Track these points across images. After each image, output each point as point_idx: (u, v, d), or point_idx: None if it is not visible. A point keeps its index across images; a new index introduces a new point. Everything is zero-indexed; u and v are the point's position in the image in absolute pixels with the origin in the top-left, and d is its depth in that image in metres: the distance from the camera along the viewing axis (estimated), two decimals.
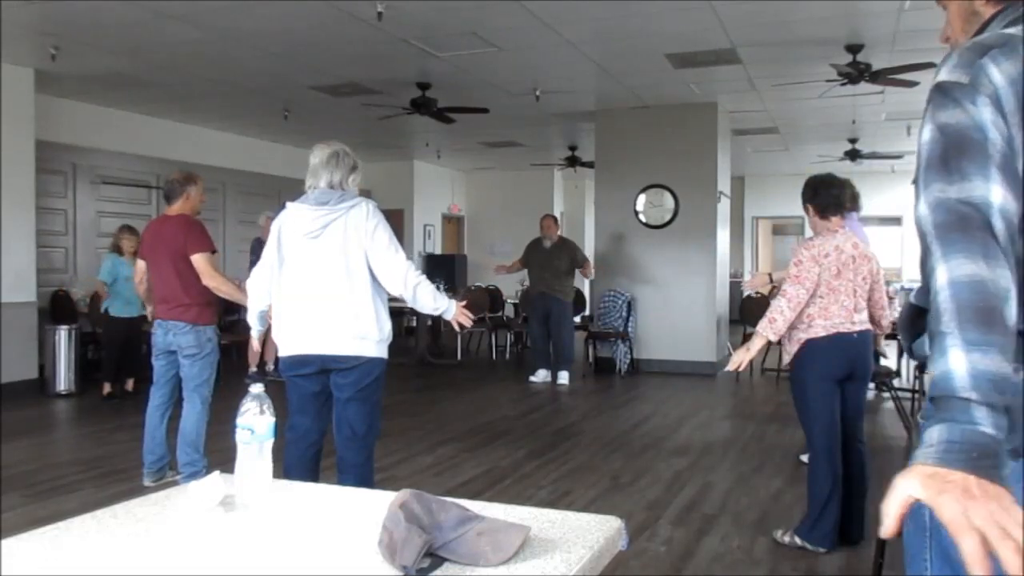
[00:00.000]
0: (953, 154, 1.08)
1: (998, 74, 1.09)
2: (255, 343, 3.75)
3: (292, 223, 3.36)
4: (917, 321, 1.24)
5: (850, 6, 6.08)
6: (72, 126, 9.13)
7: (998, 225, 1.04)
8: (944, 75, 1.14)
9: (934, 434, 0.94)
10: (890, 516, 0.93)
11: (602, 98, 9.42)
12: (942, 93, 1.13)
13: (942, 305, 1.01)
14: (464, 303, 3.56)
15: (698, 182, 9.58)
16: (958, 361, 0.96)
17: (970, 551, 0.87)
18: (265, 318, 3.60)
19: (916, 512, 1.23)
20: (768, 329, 3.57)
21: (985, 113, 1.08)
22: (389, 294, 3.42)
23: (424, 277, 3.38)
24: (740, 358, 3.51)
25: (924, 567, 1.23)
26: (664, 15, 6.24)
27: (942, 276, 1.02)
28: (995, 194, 1.05)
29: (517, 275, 9.32)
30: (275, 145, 12.18)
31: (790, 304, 3.56)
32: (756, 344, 3.57)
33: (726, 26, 6.50)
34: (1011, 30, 1.15)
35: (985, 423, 0.93)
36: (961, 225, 1.04)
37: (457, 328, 3.59)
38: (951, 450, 0.92)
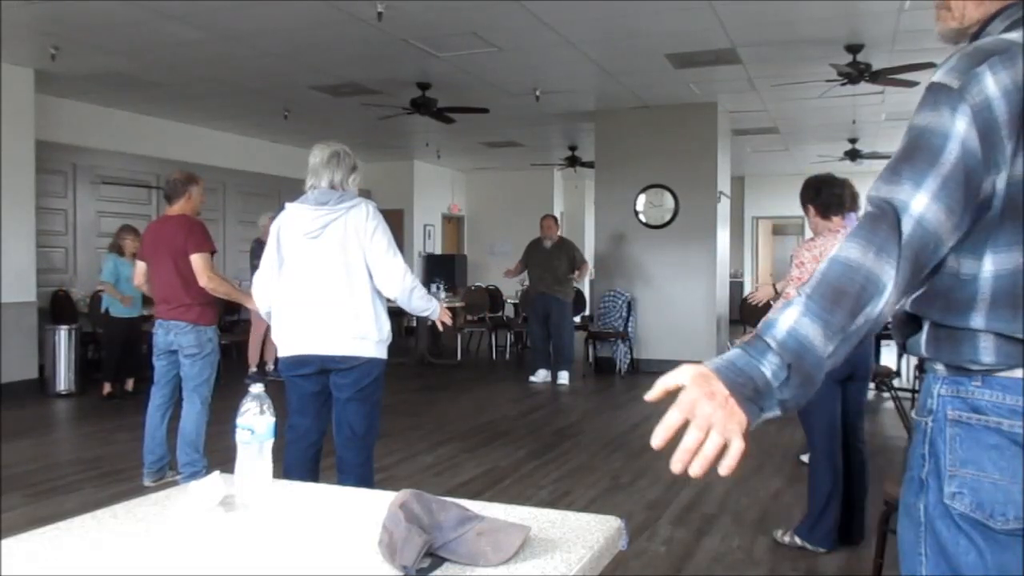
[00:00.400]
0: (902, 157, 1.14)
1: (993, 84, 1.10)
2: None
3: (291, 223, 3.36)
4: (910, 323, 1.26)
5: (850, 6, 6.08)
6: (72, 126, 9.13)
7: (907, 229, 1.10)
8: (939, 76, 1.15)
9: (730, 354, 1.10)
10: (657, 388, 1.10)
11: (602, 98, 9.42)
12: (929, 93, 1.16)
13: (815, 274, 1.12)
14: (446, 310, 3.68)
15: (698, 182, 9.58)
16: (788, 317, 1.09)
17: (669, 421, 1.05)
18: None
19: (911, 508, 1.25)
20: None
21: (959, 124, 1.10)
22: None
23: (419, 282, 3.44)
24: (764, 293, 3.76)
25: (919, 562, 1.23)
26: (664, 15, 6.24)
27: (834, 251, 1.14)
28: (917, 201, 1.11)
29: (518, 273, 9.32)
30: (275, 145, 12.18)
31: None
32: (766, 292, 3.75)
33: (726, 26, 6.50)
34: (1012, 35, 1.14)
35: (767, 366, 1.07)
36: (873, 218, 1.13)
37: (440, 327, 3.70)
38: (730, 368, 1.07)
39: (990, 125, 1.10)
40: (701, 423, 1.05)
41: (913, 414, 1.28)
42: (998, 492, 1.15)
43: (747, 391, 1.06)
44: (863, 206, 1.17)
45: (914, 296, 1.22)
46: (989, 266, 1.15)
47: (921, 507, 1.23)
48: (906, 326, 1.27)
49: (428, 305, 3.50)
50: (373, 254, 3.30)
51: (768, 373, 1.06)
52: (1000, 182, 1.12)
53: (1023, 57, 1.11)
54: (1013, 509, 1.13)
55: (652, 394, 1.10)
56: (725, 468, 1.07)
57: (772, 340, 1.07)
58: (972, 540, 1.17)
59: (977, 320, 1.16)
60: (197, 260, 4.50)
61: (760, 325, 1.12)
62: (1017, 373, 1.15)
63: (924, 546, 1.22)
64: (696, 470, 1.06)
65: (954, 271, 1.17)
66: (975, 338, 1.16)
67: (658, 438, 1.06)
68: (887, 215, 1.11)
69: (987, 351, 1.16)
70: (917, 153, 1.12)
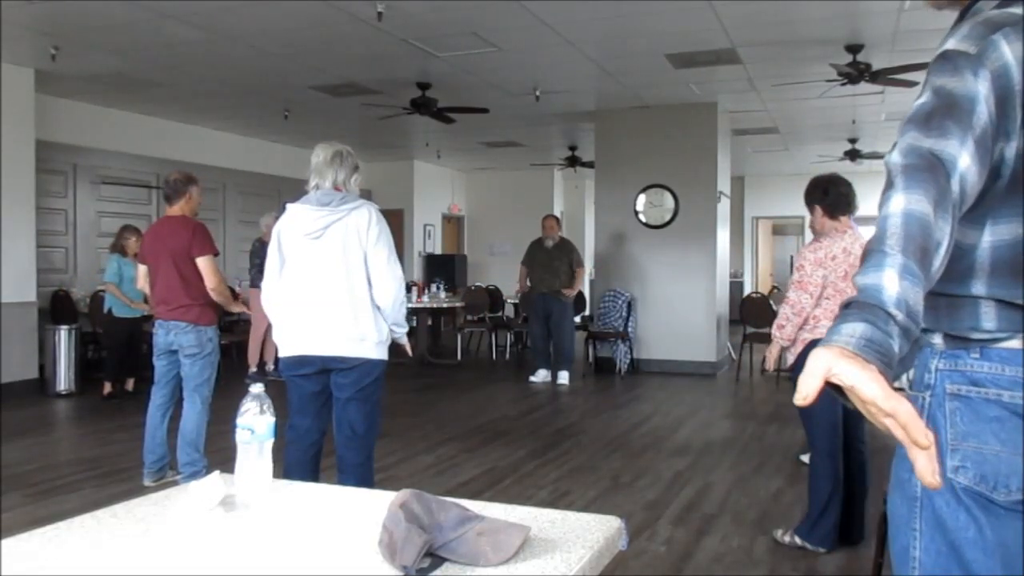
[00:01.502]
0: (938, 113, 1.09)
1: (1009, 52, 1.09)
2: None
3: (293, 224, 3.36)
4: None
5: (850, 6, 6.08)
6: (72, 126, 9.14)
7: (955, 187, 1.05)
8: (952, 44, 1.13)
9: (857, 328, 0.96)
10: (812, 386, 0.92)
11: (602, 98, 9.42)
12: (945, 59, 1.13)
13: (891, 229, 1.02)
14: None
15: (698, 182, 9.58)
16: (892, 281, 0.98)
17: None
18: None
19: (905, 482, 1.24)
20: (778, 335, 3.73)
21: (981, 87, 1.08)
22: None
23: (405, 299, 3.49)
24: (769, 364, 3.83)
25: (913, 536, 1.23)
26: (664, 15, 6.24)
27: (898, 204, 1.04)
28: (963, 159, 1.06)
29: (525, 278, 9.27)
30: (275, 145, 12.18)
31: (794, 310, 3.67)
32: (774, 352, 3.79)
33: (726, 26, 6.50)
34: (1017, 9, 1.14)
35: (896, 339, 0.97)
36: (930, 169, 1.05)
37: (408, 351, 3.75)
38: (870, 347, 0.94)
39: (1008, 91, 1.09)
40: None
41: (907, 389, 1.26)
42: (1001, 464, 1.15)
43: (889, 370, 0.96)
44: (893, 159, 1.10)
45: None
46: (988, 237, 1.15)
47: (916, 481, 1.21)
48: None
49: (404, 324, 3.50)
50: (374, 262, 3.31)
51: (895, 348, 0.97)
52: (1009, 151, 1.12)
53: None
54: (1016, 480, 1.14)
55: (807, 396, 0.95)
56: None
57: (893, 309, 0.97)
58: (972, 515, 1.17)
59: (978, 287, 1.16)
60: (205, 264, 4.52)
61: (861, 286, 1.00)
62: (1016, 343, 1.15)
63: (919, 521, 1.22)
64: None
65: (954, 242, 1.15)
66: (976, 305, 1.16)
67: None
68: (939, 168, 1.05)
69: (988, 317, 1.16)
70: (955, 111, 1.08)
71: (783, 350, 3.77)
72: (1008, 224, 1.14)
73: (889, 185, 1.08)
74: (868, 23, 6.49)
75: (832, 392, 0.94)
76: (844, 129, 11.32)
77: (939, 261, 1.03)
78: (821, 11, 6.16)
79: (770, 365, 3.82)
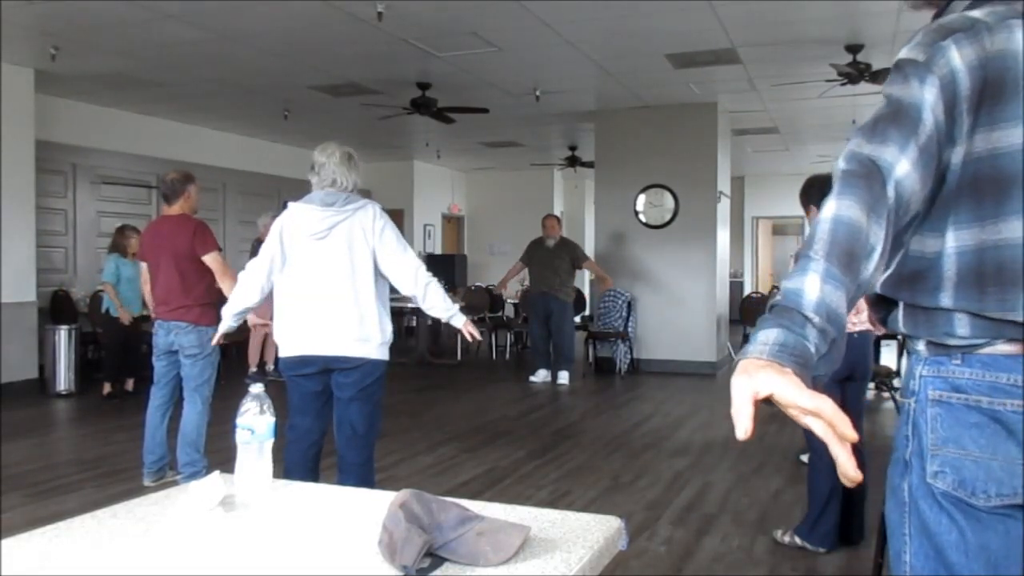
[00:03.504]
0: (883, 121, 1.12)
1: (958, 58, 1.11)
2: (218, 338, 3.73)
3: (296, 223, 3.35)
4: (885, 302, 1.27)
5: (850, 6, 6.08)
6: (72, 126, 9.13)
7: (891, 192, 1.08)
8: (905, 52, 1.16)
9: (771, 335, 0.99)
10: (746, 415, 0.93)
11: (602, 98, 9.42)
12: (897, 68, 1.16)
13: (819, 234, 1.05)
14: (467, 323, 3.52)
15: (698, 182, 9.58)
16: (812, 285, 1.01)
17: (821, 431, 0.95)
18: (242, 318, 3.58)
19: (896, 488, 1.25)
20: None
21: (928, 94, 1.10)
22: (395, 293, 3.45)
23: (434, 278, 3.42)
24: None
25: (904, 541, 1.24)
26: (664, 15, 6.24)
27: (829, 210, 1.07)
28: (901, 166, 1.09)
29: (517, 275, 9.32)
30: (275, 145, 12.18)
31: None
32: None
33: (726, 26, 6.50)
34: (975, 13, 1.15)
35: (811, 341, 0.99)
36: (865, 175, 1.08)
37: (469, 338, 3.56)
38: (784, 351, 0.97)
39: (955, 98, 1.11)
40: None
41: (898, 396, 1.28)
42: (979, 470, 1.15)
43: (806, 371, 0.98)
44: (837, 164, 1.13)
45: (883, 279, 1.22)
46: (952, 243, 1.16)
47: (905, 487, 1.23)
48: (881, 304, 1.28)
49: (448, 306, 3.44)
50: (384, 252, 3.31)
51: (812, 349, 0.99)
52: (955, 157, 1.13)
53: (985, 34, 1.12)
54: (995, 486, 1.14)
55: (746, 429, 0.94)
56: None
57: (810, 313, 1.00)
58: (954, 519, 1.17)
59: (946, 300, 1.17)
60: (213, 260, 4.53)
61: (784, 290, 1.04)
62: (996, 349, 1.16)
63: (908, 526, 1.23)
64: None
65: (919, 253, 1.18)
66: (949, 316, 1.17)
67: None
68: (875, 175, 1.08)
69: (962, 325, 1.16)
70: (900, 118, 1.11)
71: None
72: (969, 229, 1.15)
73: (829, 191, 1.11)
74: (868, 23, 6.49)
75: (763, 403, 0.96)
76: (844, 129, 11.31)
77: (873, 264, 1.06)
78: (821, 11, 6.16)
79: None
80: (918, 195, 1.11)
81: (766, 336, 0.99)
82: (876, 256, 1.06)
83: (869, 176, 1.08)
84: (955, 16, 1.17)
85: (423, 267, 3.38)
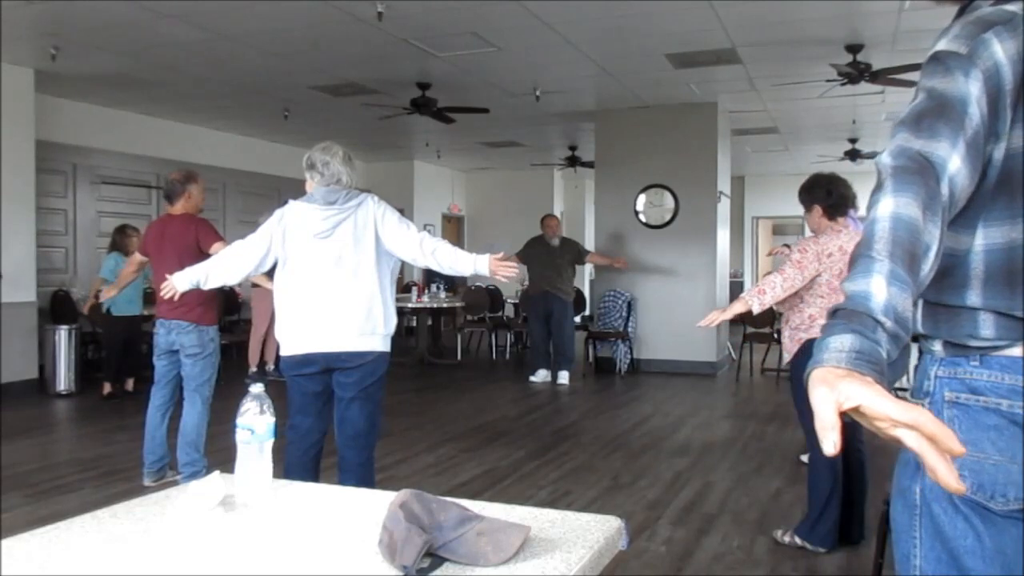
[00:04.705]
0: (929, 114, 1.08)
1: (1001, 51, 1.08)
2: (169, 288, 3.65)
3: (299, 222, 3.35)
4: None
5: (850, 6, 6.08)
6: (72, 126, 9.13)
7: (945, 190, 1.04)
8: (943, 45, 1.13)
9: (845, 341, 0.93)
10: (833, 428, 0.88)
11: (602, 98, 9.42)
12: (937, 60, 1.12)
13: (879, 233, 1.01)
14: (500, 256, 3.41)
15: (698, 182, 9.58)
16: (879, 287, 0.97)
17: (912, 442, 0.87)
18: (200, 285, 3.56)
19: (906, 490, 1.24)
20: (755, 299, 3.51)
21: (973, 88, 1.07)
22: (396, 293, 3.46)
23: (442, 241, 3.41)
24: (713, 316, 3.47)
25: (913, 544, 1.23)
26: (664, 15, 6.24)
27: (887, 207, 1.02)
28: (953, 162, 1.05)
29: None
30: (275, 145, 12.17)
31: (783, 283, 3.54)
32: (735, 308, 3.51)
33: (726, 26, 6.50)
34: (1012, 7, 1.13)
35: (884, 346, 0.94)
36: (919, 171, 1.04)
37: (504, 279, 3.45)
38: (861, 358, 0.91)
39: (999, 92, 1.08)
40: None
41: (908, 396, 1.25)
42: (999, 473, 1.14)
43: (883, 378, 0.92)
44: (883, 160, 1.08)
45: None
46: (980, 240, 1.14)
47: (917, 490, 1.22)
48: None
49: (466, 261, 3.36)
50: (386, 230, 3.34)
51: (884, 355, 0.94)
52: (997, 152, 1.11)
53: None
54: (1014, 490, 1.13)
55: (835, 444, 0.89)
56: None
57: (881, 316, 0.95)
58: (971, 523, 1.16)
59: (973, 298, 1.15)
60: (219, 249, 4.51)
61: (849, 293, 0.99)
62: (1016, 351, 1.14)
63: (919, 529, 1.22)
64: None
65: (949, 249, 1.14)
66: (974, 315, 1.15)
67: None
68: (928, 171, 1.04)
69: (986, 325, 1.15)
70: (947, 112, 1.06)
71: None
72: (1000, 227, 1.13)
73: (879, 187, 1.06)
74: (868, 23, 6.49)
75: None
76: (844, 129, 11.32)
77: (928, 265, 1.02)
78: (821, 11, 6.15)
79: (715, 321, 3.45)
80: (966, 192, 1.08)
81: (840, 342, 0.93)
82: (932, 255, 1.02)
83: (923, 172, 1.04)
84: (993, 9, 1.14)
85: (427, 236, 3.38)
